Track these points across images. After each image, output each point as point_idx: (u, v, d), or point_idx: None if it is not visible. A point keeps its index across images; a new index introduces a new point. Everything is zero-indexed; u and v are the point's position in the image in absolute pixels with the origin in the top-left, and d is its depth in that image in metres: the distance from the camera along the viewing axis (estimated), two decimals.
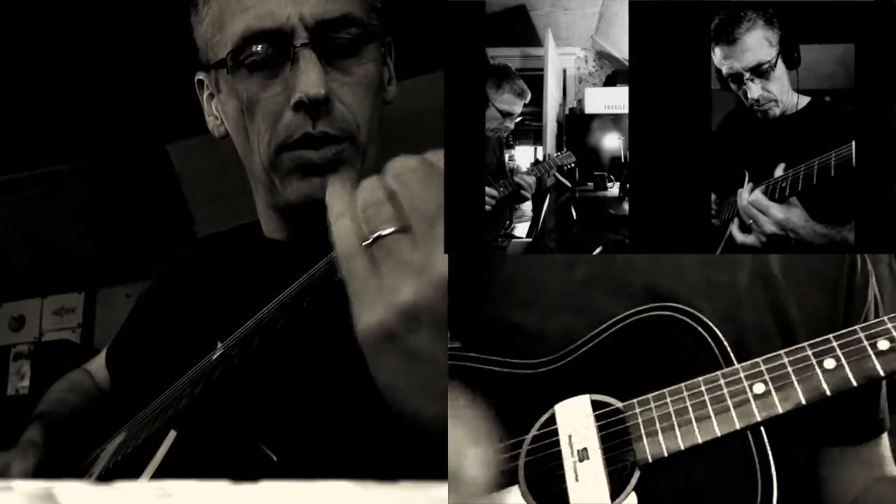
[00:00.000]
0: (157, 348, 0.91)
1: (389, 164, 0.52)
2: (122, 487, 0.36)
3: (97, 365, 1.10)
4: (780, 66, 0.71)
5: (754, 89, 0.72)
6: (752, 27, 0.70)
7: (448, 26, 0.75)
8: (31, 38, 1.86)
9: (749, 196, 0.72)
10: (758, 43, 0.70)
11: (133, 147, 2.18)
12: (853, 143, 0.67)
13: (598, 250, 0.77)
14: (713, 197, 0.72)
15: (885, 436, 0.77)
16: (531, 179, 0.89)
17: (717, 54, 0.71)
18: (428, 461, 0.52)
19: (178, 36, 0.90)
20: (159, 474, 0.68)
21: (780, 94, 0.72)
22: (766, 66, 0.71)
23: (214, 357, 0.72)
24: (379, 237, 0.49)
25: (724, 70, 0.72)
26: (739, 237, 0.72)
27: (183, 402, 0.70)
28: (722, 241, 0.73)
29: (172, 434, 0.69)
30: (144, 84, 1.90)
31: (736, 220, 0.72)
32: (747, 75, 0.72)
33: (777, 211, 0.71)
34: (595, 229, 0.86)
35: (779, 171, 0.72)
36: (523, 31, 0.91)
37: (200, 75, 0.89)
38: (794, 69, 0.72)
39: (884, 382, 0.73)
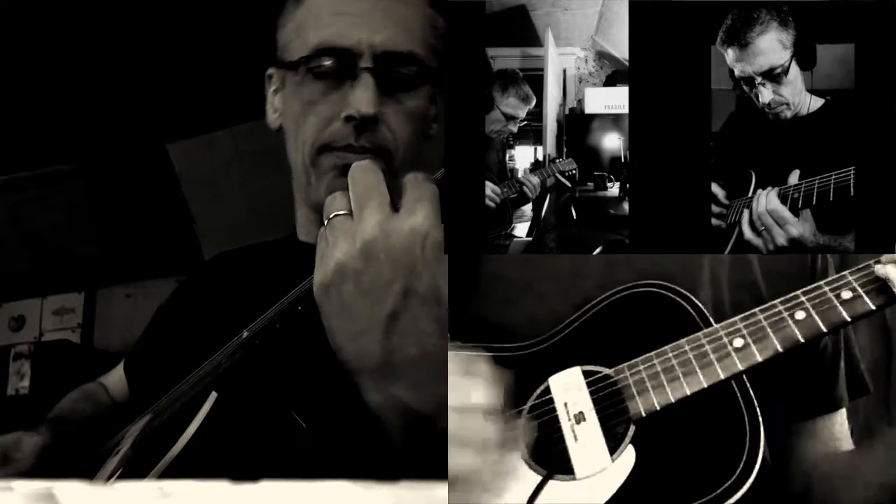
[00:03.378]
0: (180, 360, 0.91)
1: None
2: (122, 487, 0.36)
3: (112, 379, 1.12)
4: (794, 69, 0.70)
5: (765, 94, 0.71)
6: (765, 30, 0.69)
7: (448, 26, 0.76)
8: (31, 38, 1.87)
9: (769, 204, 0.71)
10: (771, 46, 0.69)
11: (133, 147, 2.18)
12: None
13: (598, 250, 0.77)
14: (722, 193, 0.72)
15: (841, 412, 0.80)
16: (535, 180, 0.89)
17: (730, 55, 0.70)
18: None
19: (179, 36, 0.92)
20: (199, 435, 0.70)
21: (792, 97, 0.71)
22: (779, 69, 0.70)
23: (245, 336, 0.74)
24: (331, 218, 0.62)
25: (736, 72, 0.71)
26: (747, 234, 0.72)
27: (222, 369, 0.73)
28: (730, 242, 0.72)
29: (213, 396, 0.72)
30: (144, 84, 1.91)
31: (746, 215, 0.72)
32: (759, 79, 0.70)
33: (794, 228, 0.70)
34: (595, 229, 0.86)
35: (793, 179, 0.71)
36: (523, 31, 0.91)
37: (271, 70, 0.99)
38: (809, 69, 0.70)
39: (842, 362, 0.79)
